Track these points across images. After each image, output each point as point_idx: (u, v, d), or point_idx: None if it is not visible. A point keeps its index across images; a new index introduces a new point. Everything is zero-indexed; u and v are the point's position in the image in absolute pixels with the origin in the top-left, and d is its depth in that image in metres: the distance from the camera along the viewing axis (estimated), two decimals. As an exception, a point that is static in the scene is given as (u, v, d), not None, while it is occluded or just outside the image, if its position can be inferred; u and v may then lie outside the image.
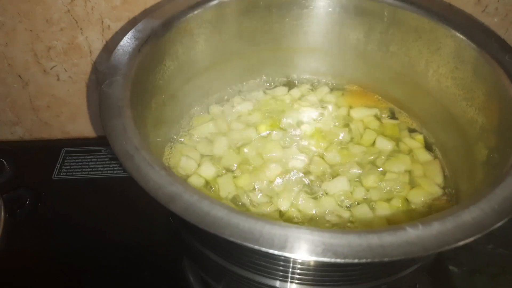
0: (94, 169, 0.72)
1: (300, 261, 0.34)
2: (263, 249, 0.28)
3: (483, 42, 0.46)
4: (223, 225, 0.29)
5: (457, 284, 0.59)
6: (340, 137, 0.58)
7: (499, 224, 0.30)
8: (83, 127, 0.81)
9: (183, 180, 0.32)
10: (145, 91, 0.46)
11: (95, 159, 0.73)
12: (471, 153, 0.47)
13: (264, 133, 0.58)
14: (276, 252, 0.28)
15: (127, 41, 0.45)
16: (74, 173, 0.71)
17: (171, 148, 0.56)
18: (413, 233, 0.29)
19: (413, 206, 0.51)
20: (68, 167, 0.72)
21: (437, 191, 0.52)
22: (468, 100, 0.49)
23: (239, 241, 0.29)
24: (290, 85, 0.66)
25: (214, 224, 0.29)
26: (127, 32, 0.47)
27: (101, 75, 0.41)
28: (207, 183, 0.53)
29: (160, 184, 0.32)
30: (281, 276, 0.37)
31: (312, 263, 0.34)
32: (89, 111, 0.78)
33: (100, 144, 0.76)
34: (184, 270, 0.59)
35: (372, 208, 0.50)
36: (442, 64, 0.52)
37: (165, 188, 0.32)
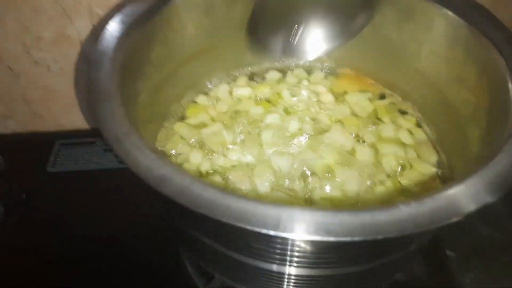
0: (89, 161, 0.71)
1: (295, 242, 0.34)
2: (256, 229, 0.28)
3: (475, 20, 0.46)
4: (215, 206, 0.29)
5: (453, 268, 0.59)
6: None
7: (491, 200, 0.30)
8: (76, 119, 0.81)
9: (174, 163, 0.32)
10: (134, 76, 0.45)
11: (90, 151, 0.73)
12: (464, 133, 0.47)
13: (260, 119, 0.58)
14: (269, 232, 0.28)
15: (114, 25, 0.44)
16: (69, 165, 0.71)
17: (165, 135, 0.56)
18: (406, 211, 0.29)
19: (406, 187, 0.50)
20: (63, 159, 0.72)
21: (430, 171, 0.51)
22: (461, 80, 0.48)
23: (231, 222, 0.28)
24: (282, 70, 0.65)
25: (206, 206, 0.29)
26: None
27: (88, 56, 0.40)
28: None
29: (150, 167, 0.32)
30: (278, 259, 0.37)
31: (307, 244, 0.34)
32: (81, 102, 0.78)
33: (95, 135, 0.76)
34: (182, 260, 0.59)
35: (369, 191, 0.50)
36: (435, 44, 0.52)
37: (155, 171, 0.31)
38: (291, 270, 0.39)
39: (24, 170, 0.70)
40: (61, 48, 0.70)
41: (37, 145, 0.75)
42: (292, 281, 0.41)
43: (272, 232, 0.28)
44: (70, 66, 0.72)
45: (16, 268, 0.59)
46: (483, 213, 0.64)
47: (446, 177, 0.51)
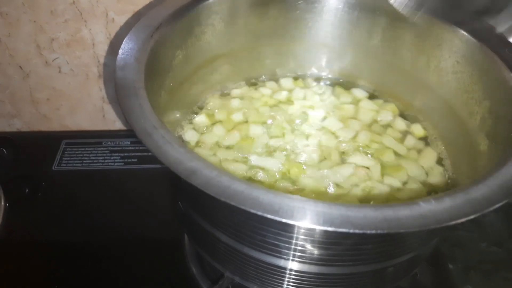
0: (94, 161, 0.72)
1: (313, 237, 0.35)
2: (284, 220, 0.29)
3: (484, 37, 0.48)
4: (244, 198, 0.30)
5: (453, 280, 0.61)
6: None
7: (506, 201, 0.32)
8: (81, 121, 0.81)
9: (202, 157, 0.33)
10: (156, 77, 0.46)
11: (96, 151, 0.74)
12: (471, 144, 0.49)
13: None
14: (296, 223, 0.29)
15: (140, 28, 0.46)
16: (74, 165, 0.71)
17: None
18: (426, 207, 0.30)
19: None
20: (68, 158, 0.72)
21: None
22: (469, 93, 0.50)
23: (260, 213, 0.29)
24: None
25: (234, 197, 0.30)
26: (131, 25, 0.48)
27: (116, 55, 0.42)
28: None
29: (180, 160, 0.33)
30: (288, 254, 0.38)
31: (326, 239, 0.35)
32: (89, 105, 0.79)
33: (101, 136, 0.77)
34: (186, 260, 0.59)
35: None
36: (443, 59, 0.54)
37: (185, 164, 0.32)
38: (300, 265, 0.40)
39: (30, 167, 0.71)
40: (74, 50, 0.71)
41: (44, 144, 0.76)
42: (301, 278, 0.41)
43: (298, 224, 0.29)
44: (80, 68, 0.73)
45: (21, 261, 0.59)
46: (483, 229, 0.66)
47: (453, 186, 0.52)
